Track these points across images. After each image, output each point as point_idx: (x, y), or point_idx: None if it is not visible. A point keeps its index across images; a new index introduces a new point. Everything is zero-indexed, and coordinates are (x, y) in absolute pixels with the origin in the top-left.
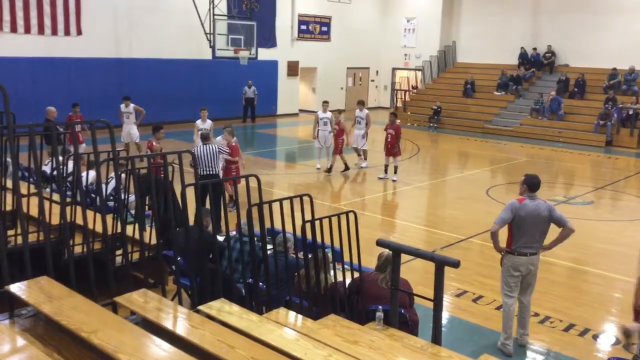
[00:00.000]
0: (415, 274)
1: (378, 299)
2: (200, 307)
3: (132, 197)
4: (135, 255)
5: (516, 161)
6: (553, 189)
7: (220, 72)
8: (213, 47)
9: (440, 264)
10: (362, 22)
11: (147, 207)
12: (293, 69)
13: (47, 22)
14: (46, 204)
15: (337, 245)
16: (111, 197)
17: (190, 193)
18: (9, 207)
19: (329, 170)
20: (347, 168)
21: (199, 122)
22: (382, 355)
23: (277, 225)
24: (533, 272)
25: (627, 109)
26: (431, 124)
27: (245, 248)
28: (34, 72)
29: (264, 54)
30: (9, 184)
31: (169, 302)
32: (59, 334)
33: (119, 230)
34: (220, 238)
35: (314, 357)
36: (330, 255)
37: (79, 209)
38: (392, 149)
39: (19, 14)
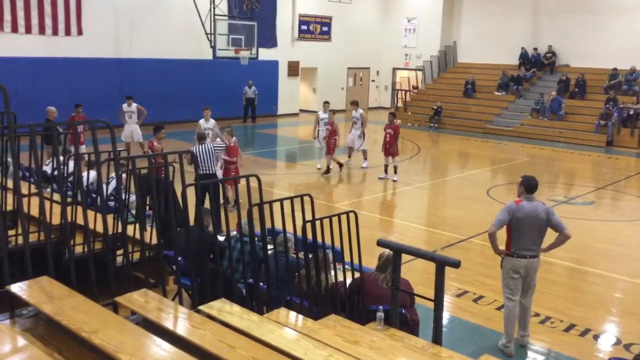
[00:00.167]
0: (416, 274)
1: (379, 299)
2: (201, 307)
3: (132, 197)
4: (136, 255)
5: (517, 161)
6: (554, 189)
7: (220, 72)
8: (214, 47)
9: (441, 264)
10: (362, 22)
11: (147, 207)
12: (294, 69)
13: (48, 22)
14: (47, 204)
15: (337, 245)
16: (112, 197)
17: (191, 193)
18: (9, 207)
19: (326, 171)
20: (340, 165)
21: (202, 121)
22: (382, 356)
23: (278, 225)
24: (533, 274)
25: (628, 109)
26: (432, 124)
27: (246, 248)
28: (34, 72)
29: (265, 54)
30: (10, 184)
31: (170, 302)
32: (60, 334)
33: (119, 230)
34: (221, 238)
35: (314, 357)
36: (330, 255)
37: (79, 209)
38: (389, 148)
39: (20, 14)
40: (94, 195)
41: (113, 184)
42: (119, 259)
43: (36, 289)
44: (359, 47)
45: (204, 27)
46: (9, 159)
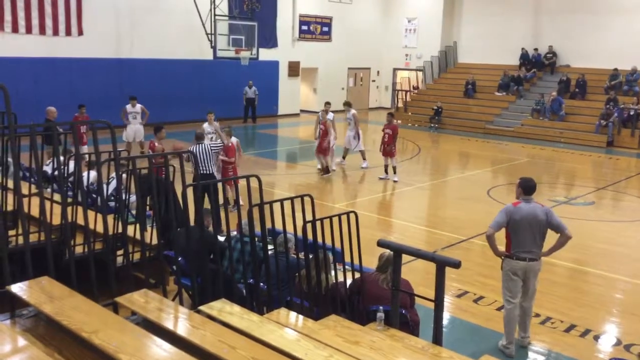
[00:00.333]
0: (416, 275)
1: (379, 299)
2: (201, 308)
3: (133, 197)
4: (136, 256)
5: (517, 162)
6: (554, 190)
7: (221, 72)
8: (214, 48)
9: (441, 264)
10: (363, 23)
11: (148, 207)
12: (294, 69)
13: (49, 22)
14: (47, 204)
15: (337, 245)
16: (112, 197)
17: (191, 193)
18: (10, 207)
19: (326, 171)
20: (327, 171)
21: (205, 125)
22: (383, 356)
23: (278, 226)
24: (532, 277)
25: (628, 109)
26: (432, 125)
27: (246, 248)
28: (35, 72)
29: (265, 55)
30: (10, 184)
31: (170, 302)
32: (60, 334)
33: (120, 230)
34: (221, 238)
35: (314, 358)
36: (331, 255)
37: (80, 209)
38: (387, 148)
39: (21, 14)
40: (94, 196)
41: (113, 184)
42: (120, 259)
43: (36, 289)
44: (360, 47)
45: (204, 27)
46: (10, 159)
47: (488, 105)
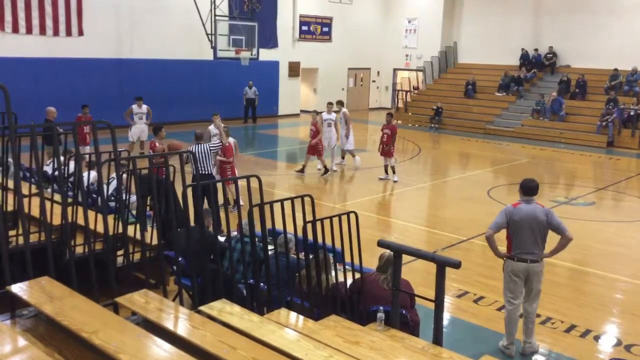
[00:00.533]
0: (417, 275)
1: (379, 299)
2: (202, 308)
3: (133, 198)
4: (137, 256)
5: (517, 162)
6: (554, 190)
7: (221, 72)
8: (214, 48)
9: (442, 264)
10: (363, 23)
11: (148, 208)
12: (294, 69)
13: (49, 22)
14: (47, 204)
15: (338, 245)
16: (112, 198)
17: (190, 193)
18: (10, 208)
19: (324, 171)
20: (302, 171)
21: (211, 127)
22: (383, 356)
23: (279, 226)
24: (534, 279)
25: (629, 110)
26: (432, 125)
27: (247, 248)
28: (35, 72)
29: (265, 55)
30: (11, 184)
31: (170, 302)
32: (60, 334)
33: (120, 230)
34: (222, 238)
35: (314, 358)
36: (331, 256)
37: (80, 209)
38: (385, 148)
39: (21, 14)
40: (94, 196)
41: (114, 184)
42: (120, 260)
43: (37, 290)
44: (360, 47)
45: (204, 27)
46: (10, 160)
47: (488, 106)
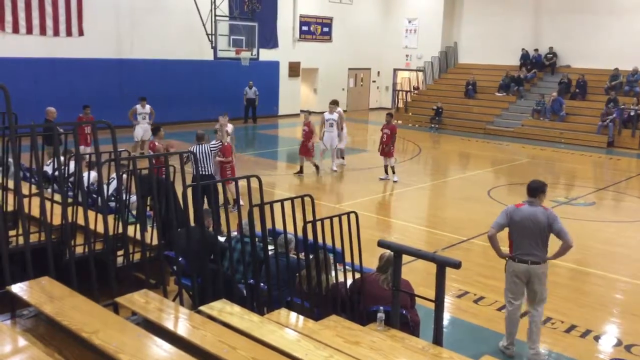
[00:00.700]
0: (417, 275)
1: (379, 299)
2: (202, 308)
3: (133, 198)
4: (137, 256)
5: (518, 162)
6: (555, 190)
7: (221, 72)
8: (214, 48)
9: (442, 264)
10: (363, 23)
11: (148, 208)
12: (294, 69)
13: (49, 22)
14: (47, 204)
15: (338, 245)
16: (112, 198)
17: (190, 193)
18: (10, 208)
19: (316, 170)
20: (300, 172)
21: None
22: (383, 356)
23: (279, 226)
24: (536, 281)
25: (629, 110)
26: (432, 125)
27: (247, 248)
28: (35, 72)
29: (266, 55)
30: (11, 184)
31: (170, 302)
32: (60, 334)
33: (120, 230)
34: (222, 239)
35: (315, 358)
36: (331, 255)
37: (80, 209)
38: (385, 148)
39: (21, 14)
40: (94, 196)
41: (114, 184)
42: (120, 260)
43: (37, 290)
44: (360, 47)
45: (204, 27)
46: (10, 160)
47: (488, 106)
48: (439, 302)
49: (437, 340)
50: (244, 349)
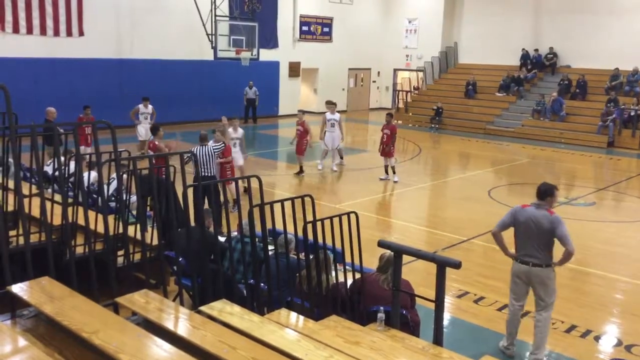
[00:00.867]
0: (417, 275)
1: (379, 300)
2: (202, 308)
3: (133, 198)
4: (137, 256)
5: (518, 162)
6: None
7: (221, 72)
8: (215, 48)
9: (442, 264)
10: (363, 23)
11: (148, 208)
12: (294, 69)
13: (49, 23)
14: (48, 204)
15: (338, 246)
16: (112, 198)
17: (191, 193)
18: (11, 208)
19: (299, 171)
20: (300, 171)
21: (230, 130)
22: (383, 356)
23: (279, 226)
24: (538, 285)
25: (629, 110)
26: (432, 125)
27: (247, 249)
28: (35, 72)
29: (266, 55)
30: (11, 184)
31: (171, 302)
32: (60, 334)
33: (120, 230)
34: (222, 239)
35: (315, 358)
36: (331, 256)
37: (80, 209)
38: (385, 148)
39: (21, 14)
40: (94, 196)
41: (114, 184)
42: (120, 260)
43: (37, 290)
44: (360, 48)
45: (204, 27)
46: (10, 160)
47: (488, 106)
48: (439, 302)
49: (437, 340)
50: (244, 349)
